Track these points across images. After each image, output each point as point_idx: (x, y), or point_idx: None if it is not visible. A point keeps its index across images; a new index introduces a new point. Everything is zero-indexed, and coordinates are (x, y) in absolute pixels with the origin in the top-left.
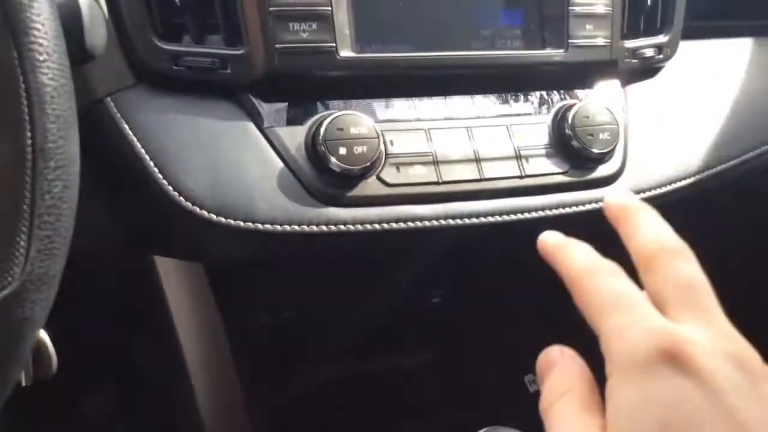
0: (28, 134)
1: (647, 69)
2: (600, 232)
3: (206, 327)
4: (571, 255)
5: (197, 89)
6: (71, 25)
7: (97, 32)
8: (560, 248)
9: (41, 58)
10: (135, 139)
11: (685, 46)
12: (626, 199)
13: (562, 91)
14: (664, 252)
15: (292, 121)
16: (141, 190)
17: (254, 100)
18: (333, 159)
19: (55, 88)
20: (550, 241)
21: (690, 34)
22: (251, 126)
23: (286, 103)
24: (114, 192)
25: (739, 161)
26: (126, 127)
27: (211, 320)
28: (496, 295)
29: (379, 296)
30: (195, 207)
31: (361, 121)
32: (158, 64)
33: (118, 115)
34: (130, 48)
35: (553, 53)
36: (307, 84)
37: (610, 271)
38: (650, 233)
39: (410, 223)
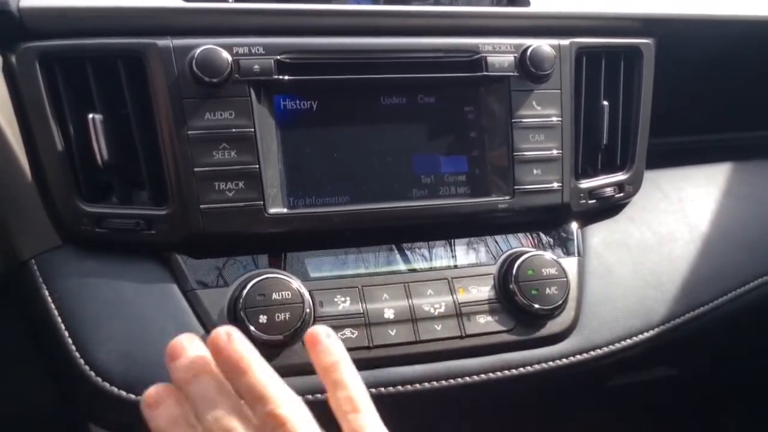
0: None
1: (608, 207)
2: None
3: None
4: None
5: (123, 249)
6: None
7: None
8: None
9: None
10: (53, 306)
11: (653, 176)
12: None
13: (512, 237)
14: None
15: (217, 282)
16: (57, 358)
17: (180, 258)
18: (252, 328)
19: None
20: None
21: (656, 161)
22: (174, 289)
23: (213, 261)
24: (40, 354)
25: (711, 307)
26: (46, 292)
27: None
28: None
29: None
30: (105, 383)
31: (285, 284)
32: (81, 227)
33: (40, 279)
34: (55, 210)
35: (498, 200)
36: (235, 242)
37: None
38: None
39: None
